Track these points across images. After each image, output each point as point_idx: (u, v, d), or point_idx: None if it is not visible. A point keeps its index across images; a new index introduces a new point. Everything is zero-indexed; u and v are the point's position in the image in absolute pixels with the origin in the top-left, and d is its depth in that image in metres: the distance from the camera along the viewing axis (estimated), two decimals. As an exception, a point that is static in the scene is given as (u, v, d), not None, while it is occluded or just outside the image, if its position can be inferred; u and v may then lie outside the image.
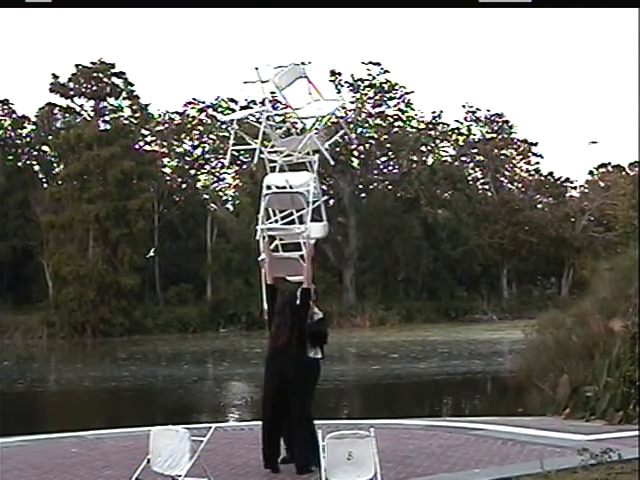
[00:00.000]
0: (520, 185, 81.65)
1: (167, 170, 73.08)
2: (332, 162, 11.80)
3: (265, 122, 11.10)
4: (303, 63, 11.30)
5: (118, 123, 66.52)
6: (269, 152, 11.29)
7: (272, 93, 11.51)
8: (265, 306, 10.75)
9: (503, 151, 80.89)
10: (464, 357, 37.99)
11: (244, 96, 12.89)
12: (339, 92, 69.33)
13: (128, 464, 10.31)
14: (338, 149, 62.80)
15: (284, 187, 10.93)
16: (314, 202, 10.84)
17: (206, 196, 73.18)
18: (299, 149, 11.13)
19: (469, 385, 28.94)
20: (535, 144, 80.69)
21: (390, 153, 74.48)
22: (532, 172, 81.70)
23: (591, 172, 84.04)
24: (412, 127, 74.93)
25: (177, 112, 72.60)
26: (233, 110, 67.30)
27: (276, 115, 12.09)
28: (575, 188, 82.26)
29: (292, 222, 11.04)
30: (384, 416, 16.83)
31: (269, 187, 10.95)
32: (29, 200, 65.79)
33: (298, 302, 10.49)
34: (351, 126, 67.75)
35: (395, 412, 20.26)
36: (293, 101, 11.24)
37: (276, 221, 11.03)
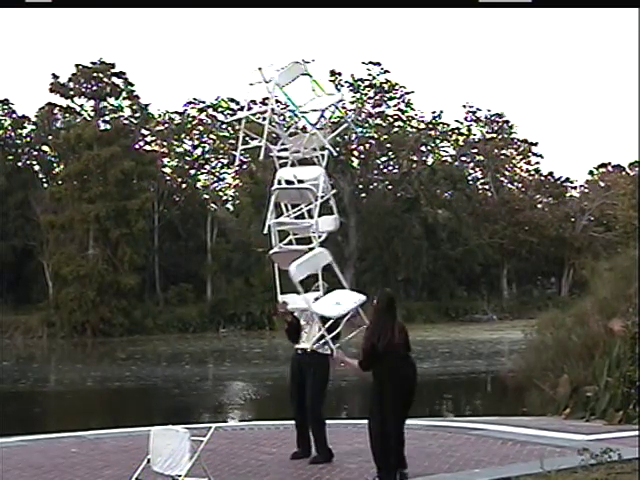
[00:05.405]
0: (520, 185, 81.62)
1: (167, 170, 73.11)
2: (335, 154, 11.85)
3: (270, 121, 11.10)
4: (304, 61, 11.29)
5: (118, 123, 66.51)
6: (278, 150, 11.38)
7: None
8: (279, 298, 10.83)
9: (503, 151, 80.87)
10: (465, 357, 38.00)
11: (247, 97, 12.73)
12: (339, 92, 69.25)
13: (128, 464, 10.29)
14: (338, 149, 62.77)
15: (292, 182, 11.02)
16: (323, 197, 10.89)
17: (206, 196, 73.18)
18: (304, 144, 11.20)
19: (470, 385, 28.95)
20: (535, 144, 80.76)
21: (390, 153, 74.42)
22: (532, 172, 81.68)
23: (591, 172, 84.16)
24: (412, 127, 74.88)
25: (177, 112, 72.65)
26: (233, 110, 67.52)
27: (281, 114, 12.12)
28: (575, 188, 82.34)
29: (302, 216, 11.14)
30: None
31: (280, 182, 11.02)
32: (29, 200, 65.79)
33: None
34: (351, 126, 67.67)
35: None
36: (296, 99, 11.25)
37: (288, 216, 11.17)
